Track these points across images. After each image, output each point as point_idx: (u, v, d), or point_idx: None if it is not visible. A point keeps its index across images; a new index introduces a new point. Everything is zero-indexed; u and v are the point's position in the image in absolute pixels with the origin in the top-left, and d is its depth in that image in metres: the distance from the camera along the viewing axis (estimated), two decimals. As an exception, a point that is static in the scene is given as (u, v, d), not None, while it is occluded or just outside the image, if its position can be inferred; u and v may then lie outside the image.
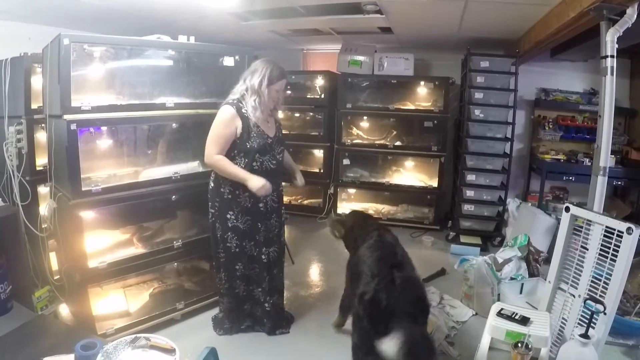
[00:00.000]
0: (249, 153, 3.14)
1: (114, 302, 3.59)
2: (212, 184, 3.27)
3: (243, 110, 3.13)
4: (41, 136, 3.81)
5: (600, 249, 2.80)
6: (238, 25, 5.20)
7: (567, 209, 3.07)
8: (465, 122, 5.56)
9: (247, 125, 3.13)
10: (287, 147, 6.68)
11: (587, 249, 2.91)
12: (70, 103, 2.97)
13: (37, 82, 3.69)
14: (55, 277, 3.81)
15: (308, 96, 6.87)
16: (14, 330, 2.39)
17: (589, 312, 2.63)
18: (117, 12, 4.45)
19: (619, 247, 2.67)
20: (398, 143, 6.39)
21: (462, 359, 3.20)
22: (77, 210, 3.09)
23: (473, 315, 3.84)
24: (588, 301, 2.70)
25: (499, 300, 3.71)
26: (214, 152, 3.08)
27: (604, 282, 2.75)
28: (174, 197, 3.56)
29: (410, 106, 6.36)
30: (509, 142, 5.55)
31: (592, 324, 2.61)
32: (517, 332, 2.76)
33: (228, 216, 3.22)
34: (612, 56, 3.14)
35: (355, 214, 3.68)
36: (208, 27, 5.10)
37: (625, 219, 2.78)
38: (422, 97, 6.43)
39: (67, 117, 2.95)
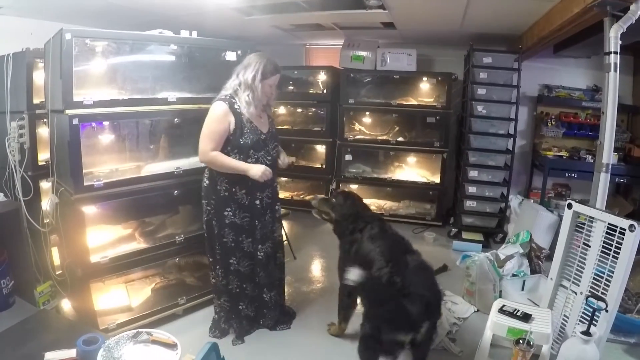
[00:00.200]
0: (242, 149, 3.11)
1: (115, 297, 3.59)
2: (207, 182, 3.22)
3: (236, 106, 3.09)
4: (43, 131, 3.81)
5: (603, 246, 2.80)
6: (240, 20, 5.19)
7: (570, 206, 3.06)
8: (468, 118, 5.55)
9: (240, 121, 3.09)
10: (290, 142, 6.78)
11: (589, 246, 2.90)
12: (72, 98, 2.96)
13: (39, 77, 3.69)
14: (57, 272, 3.82)
15: (310, 91, 6.87)
16: (16, 325, 2.40)
17: (591, 310, 2.63)
18: (118, 7, 4.45)
19: (621, 244, 2.67)
20: (400, 139, 6.38)
21: (463, 356, 3.21)
22: (79, 205, 3.09)
23: (475, 311, 3.84)
24: (590, 298, 2.70)
25: (500, 297, 3.70)
26: (209, 149, 3.04)
27: (606, 280, 2.75)
28: (176, 192, 3.56)
29: (413, 102, 6.34)
30: (512, 139, 5.54)
31: (593, 322, 2.61)
32: (518, 329, 2.76)
33: (226, 213, 3.19)
34: (615, 53, 3.14)
35: (346, 197, 3.53)
36: (210, 22, 5.08)
37: (628, 216, 2.77)
38: (425, 92, 6.42)
39: (69, 112, 2.95)
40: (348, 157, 6.52)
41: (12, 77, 3.69)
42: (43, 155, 3.82)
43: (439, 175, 6.22)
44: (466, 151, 5.60)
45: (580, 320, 2.89)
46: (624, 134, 5.68)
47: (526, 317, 2.87)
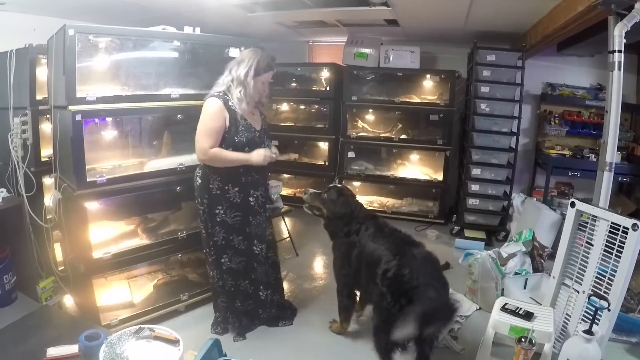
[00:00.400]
0: (237, 147, 3.08)
1: (118, 293, 3.60)
2: (200, 181, 3.18)
3: (230, 103, 3.07)
4: (46, 127, 3.82)
5: (605, 245, 2.79)
6: (244, 17, 5.18)
7: (573, 205, 3.05)
8: (471, 116, 5.54)
9: (235, 118, 3.07)
10: (292, 139, 6.78)
11: (592, 245, 2.90)
12: (75, 94, 2.97)
13: (42, 73, 3.69)
14: (60, 268, 3.82)
15: (313, 88, 6.86)
16: (19, 320, 2.40)
17: (593, 308, 2.62)
18: (121, 3, 4.44)
19: (623, 243, 2.66)
20: (403, 136, 6.38)
21: (465, 354, 3.21)
22: (82, 201, 3.10)
23: (477, 309, 3.84)
24: (592, 297, 2.70)
25: (502, 295, 3.70)
26: (207, 147, 3.00)
27: (609, 279, 2.74)
28: (178, 188, 3.56)
29: (416, 99, 6.33)
30: (515, 137, 5.53)
31: (596, 321, 2.61)
32: (520, 327, 2.76)
33: (216, 211, 3.18)
34: (619, 51, 3.12)
35: (339, 193, 3.36)
36: (213, 19, 5.07)
37: (631, 215, 2.76)
38: (428, 90, 6.41)
39: (72, 108, 2.95)
40: (351, 154, 6.51)
41: (15, 73, 3.69)
42: (46, 151, 3.83)
43: (442, 173, 6.22)
44: (469, 149, 5.59)
45: (582, 319, 2.88)
46: (627, 133, 5.66)
47: (528, 316, 2.86)
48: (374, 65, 6.24)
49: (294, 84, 6.98)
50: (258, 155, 3.09)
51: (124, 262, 3.39)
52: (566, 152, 5.82)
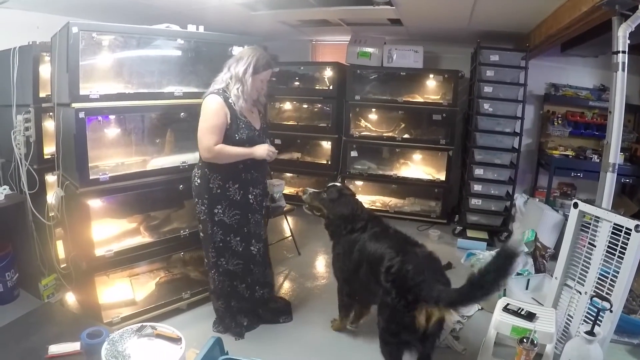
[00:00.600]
0: (237, 145, 3.07)
1: (120, 291, 3.61)
2: (199, 181, 3.16)
3: (230, 101, 3.05)
4: (49, 125, 3.82)
5: (608, 246, 2.78)
6: (246, 15, 5.18)
7: (576, 205, 3.05)
8: (474, 116, 5.53)
9: (235, 115, 3.06)
10: (295, 138, 6.78)
11: (595, 246, 2.89)
12: (78, 91, 2.97)
13: (45, 70, 3.70)
14: (62, 266, 3.84)
15: (316, 87, 6.86)
16: (20, 317, 2.40)
17: (595, 310, 2.62)
18: (123, 1, 4.45)
19: (626, 244, 2.66)
20: (406, 136, 6.37)
21: (467, 354, 3.21)
22: (85, 198, 3.10)
23: (479, 310, 3.83)
24: (594, 298, 2.69)
25: (504, 295, 3.68)
26: (212, 144, 2.97)
27: (611, 280, 2.73)
28: (181, 186, 3.55)
29: (419, 99, 6.33)
30: (518, 137, 5.51)
31: (597, 322, 2.60)
32: (522, 328, 2.75)
33: (215, 210, 3.17)
34: (623, 52, 3.11)
35: (339, 193, 3.35)
36: (215, 17, 5.07)
37: (633, 217, 2.75)
38: (431, 90, 6.40)
39: (75, 105, 2.96)
40: (353, 153, 6.51)
41: (18, 71, 3.70)
42: (49, 149, 3.83)
43: (445, 172, 6.22)
44: (472, 149, 5.58)
45: (584, 320, 2.87)
46: (631, 134, 5.65)
47: (530, 316, 2.86)
48: (377, 65, 6.24)
49: (297, 83, 6.99)
50: (262, 148, 3.10)
51: (126, 260, 3.40)
52: (569, 152, 5.80)
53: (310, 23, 5.95)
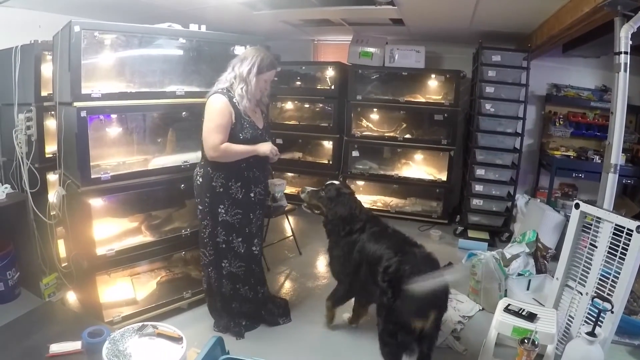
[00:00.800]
0: (241, 144, 3.08)
1: (121, 290, 3.61)
2: (201, 180, 3.16)
3: (234, 100, 3.06)
4: (51, 123, 3.83)
5: (609, 247, 2.78)
6: (248, 15, 5.17)
7: (577, 206, 3.04)
8: (476, 116, 5.53)
9: (239, 114, 3.06)
10: (297, 137, 6.78)
11: (596, 247, 2.89)
12: (80, 90, 2.97)
13: (47, 69, 3.70)
14: (63, 265, 3.84)
15: (318, 87, 6.87)
16: (22, 316, 2.40)
17: (596, 310, 2.62)
18: (125, 0, 4.45)
19: (628, 245, 2.65)
20: (408, 136, 6.37)
21: (468, 354, 3.21)
22: (86, 197, 3.10)
23: (480, 310, 3.84)
24: (595, 299, 2.69)
25: (505, 296, 3.69)
26: (218, 142, 2.97)
27: (612, 281, 2.73)
28: (182, 185, 3.55)
29: (421, 99, 6.32)
30: (519, 137, 5.51)
31: (599, 323, 2.60)
32: (523, 329, 2.75)
33: (219, 210, 3.17)
34: (625, 53, 3.11)
35: (337, 192, 3.33)
36: (217, 16, 5.07)
37: (634, 217, 2.75)
38: (433, 90, 6.40)
39: (77, 104, 2.96)
40: (355, 153, 6.51)
41: (20, 69, 3.70)
42: (50, 148, 3.83)
43: (446, 173, 6.22)
44: (473, 149, 5.57)
45: (585, 321, 2.87)
46: (632, 135, 5.64)
47: (531, 317, 2.86)
48: (379, 65, 6.24)
49: (298, 83, 6.99)
50: (266, 146, 3.11)
51: (127, 259, 3.40)
52: (570, 153, 5.80)
53: (312, 23, 5.96)
